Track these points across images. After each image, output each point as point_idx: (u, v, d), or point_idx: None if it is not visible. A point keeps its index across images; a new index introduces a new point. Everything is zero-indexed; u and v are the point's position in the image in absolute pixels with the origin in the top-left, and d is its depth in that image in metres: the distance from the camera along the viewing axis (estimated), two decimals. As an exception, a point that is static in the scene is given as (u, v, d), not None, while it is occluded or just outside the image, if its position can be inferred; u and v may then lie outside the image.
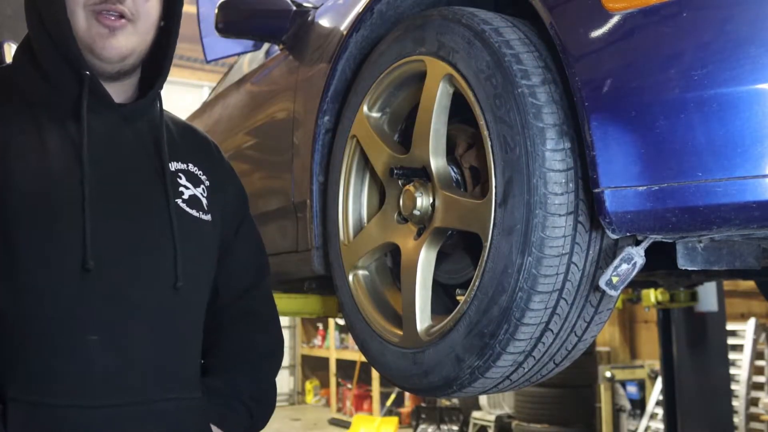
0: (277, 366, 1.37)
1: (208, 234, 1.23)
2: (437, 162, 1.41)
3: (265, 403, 1.33)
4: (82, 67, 1.11)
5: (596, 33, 1.09)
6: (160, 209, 1.15)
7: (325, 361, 9.39)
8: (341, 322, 7.10)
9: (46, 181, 1.08)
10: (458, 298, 1.45)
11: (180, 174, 1.20)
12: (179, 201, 1.17)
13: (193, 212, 1.19)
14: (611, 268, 1.13)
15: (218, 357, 1.29)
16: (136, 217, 1.13)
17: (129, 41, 1.12)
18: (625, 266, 1.13)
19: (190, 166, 1.23)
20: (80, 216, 1.06)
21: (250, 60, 2.75)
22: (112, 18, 1.10)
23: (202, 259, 1.22)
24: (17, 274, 1.05)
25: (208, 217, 1.22)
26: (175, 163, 1.20)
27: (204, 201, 1.22)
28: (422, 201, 1.43)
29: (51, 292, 1.06)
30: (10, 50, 2.19)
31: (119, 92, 1.18)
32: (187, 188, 1.19)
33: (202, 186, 1.23)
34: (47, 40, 1.12)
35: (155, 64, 1.22)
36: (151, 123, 1.21)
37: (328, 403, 9.43)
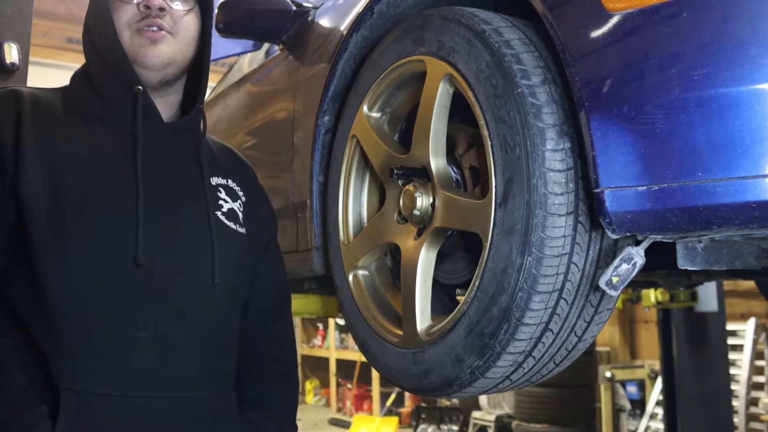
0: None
1: (243, 245, 1.31)
2: (437, 162, 1.41)
3: None
4: (134, 83, 1.22)
5: (596, 33, 1.09)
6: (201, 218, 1.24)
7: (325, 361, 9.39)
8: (341, 322, 7.10)
9: (101, 182, 1.17)
10: (458, 298, 1.45)
11: (220, 188, 1.30)
12: (218, 213, 1.27)
13: (231, 224, 1.28)
14: (611, 268, 1.13)
15: (250, 388, 1.35)
16: (180, 223, 1.22)
17: (169, 49, 1.24)
18: (625, 266, 1.13)
19: (229, 181, 1.34)
20: (134, 214, 1.15)
21: (250, 60, 2.74)
22: (154, 31, 1.22)
23: (238, 267, 1.29)
24: (73, 265, 1.12)
25: (243, 230, 1.31)
26: (215, 177, 1.30)
27: (240, 215, 1.32)
28: (422, 201, 1.43)
29: (103, 284, 1.13)
30: (11, 50, 2.19)
31: (165, 109, 1.29)
32: (226, 202, 1.29)
33: (239, 201, 1.33)
34: (102, 62, 1.24)
35: (194, 83, 1.33)
36: (193, 139, 1.31)
37: (328, 403, 9.43)
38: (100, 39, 1.24)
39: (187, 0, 1.28)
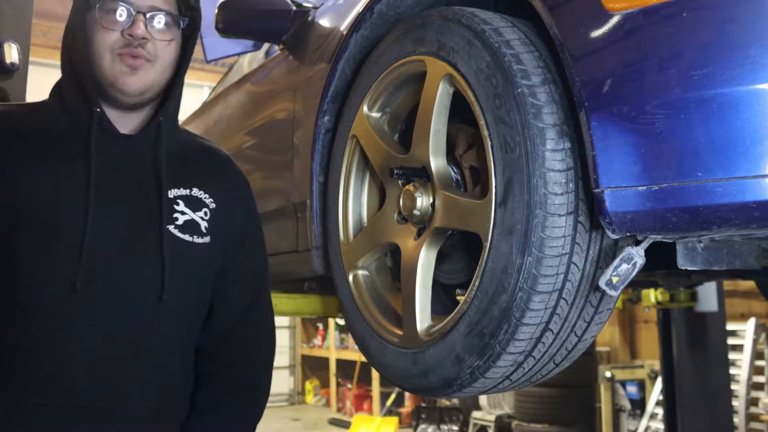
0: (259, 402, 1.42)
1: (203, 256, 1.32)
2: (437, 162, 1.41)
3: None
4: (95, 104, 1.25)
5: (596, 33, 1.09)
6: (153, 235, 1.26)
7: (325, 361, 9.39)
8: (341, 322, 7.10)
9: (53, 207, 1.21)
10: (458, 298, 1.45)
11: (179, 200, 1.30)
12: (171, 227, 1.28)
13: (186, 237, 1.29)
14: (611, 268, 1.13)
15: (205, 395, 1.36)
16: (131, 242, 1.25)
17: (147, 78, 1.26)
18: (625, 266, 1.13)
19: (194, 190, 1.33)
20: (80, 239, 1.19)
21: (250, 60, 2.74)
22: (134, 58, 1.24)
23: (192, 280, 1.31)
24: (17, 288, 1.20)
25: (205, 240, 1.32)
26: (176, 189, 1.31)
27: (203, 224, 1.32)
28: (422, 201, 1.43)
29: (41, 307, 1.20)
30: (11, 50, 2.19)
31: (131, 123, 1.31)
32: (183, 214, 1.30)
33: (204, 210, 1.33)
34: (70, 81, 1.28)
35: (168, 97, 1.35)
36: (153, 153, 1.31)
37: (328, 403, 9.43)
38: (76, 54, 1.27)
39: (170, 29, 1.28)
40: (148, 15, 1.24)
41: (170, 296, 1.25)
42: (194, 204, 1.32)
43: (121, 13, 1.23)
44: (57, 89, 1.31)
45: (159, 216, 1.26)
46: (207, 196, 1.34)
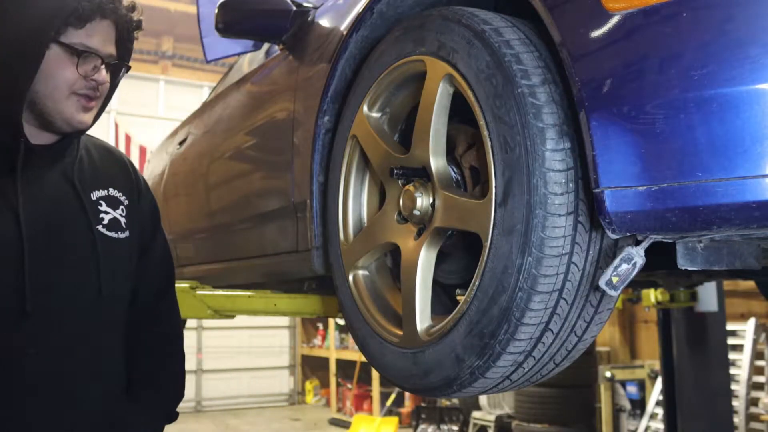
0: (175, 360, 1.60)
1: (126, 249, 1.44)
2: (437, 162, 1.41)
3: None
4: (20, 133, 1.30)
5: (596, 33, 1.09)
6: (85, 237, 1.36)
7: (325, 361, 9.39)
8: (341, 322, 7.10)
9: None
10: (458, 298, 1.45)
11: (101, 201, 1.41)
12: (100, 227, 1.39)
13: (112, 234, 1.41)
14: (611, 268, 1.13)
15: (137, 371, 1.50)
16: (66, 248, 1.34)
17: (94, 113, 1.38)
18: (625, 266, 1.13)
19: (111, 190, 1.44)
20: (20, 265, 1.27)
21: (250, 60, 2.74)
22: (91, 100, 1.35)
23: (122, 272, 1.43)
24: None
25: (125, 234, 1.43)
26: (96, 192, 1.41)
27: (123, 220, 1.44)
28: (422, 201, 1.43)
29: None
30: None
31: (47, 137, 1.37)
32: (107, 213, 1.41)
33: (121, 207, 1.45)
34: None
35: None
36: (71, 162, 1.41)
37: (328, 403, 9.43)
38: (17, 80, 1.29)
39: (118, 72, 1.41)
40: (107, 62, 1.35)
41: (108, 290, 1.37)
42: (113, 203, 1.43)
43: (88, 58, 1.31)
44: None
45: (86, 218, 1.37)
46: (120, 194, 1.45)
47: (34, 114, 1.32)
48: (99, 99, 1.37)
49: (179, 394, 1.56)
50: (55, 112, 1.31)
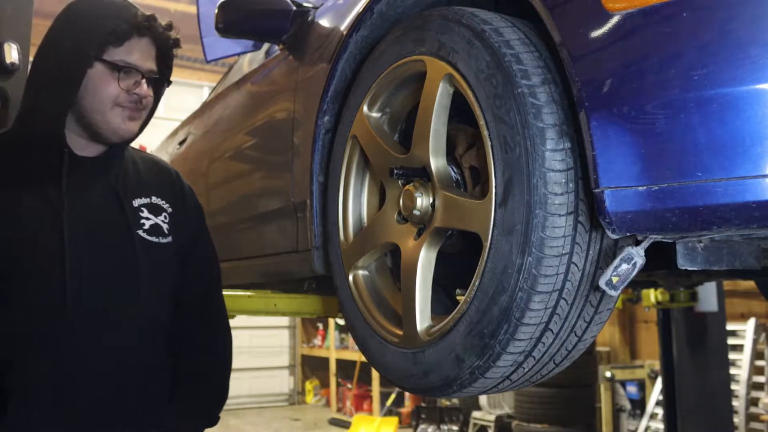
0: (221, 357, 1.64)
1: (167, 253, 1.51)
2: (437, 162, 1.41)
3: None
4: (63, 144, 1.42)
5: (596, 33, 1.09)
6: (125, 241, 1.44)
7: (325, 361, 9.39)
8: (341, 322, 7.10)
9: (31, 242, 1.36)
10: (458, 298, 1.45)
11: (143, 208, 1.50)
12: (140, 231, 1.47)
13: (153, 238, 1.48)
14: (611, 268, 1.13)
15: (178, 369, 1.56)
16: (106, 250, 1.42)
17: (139, 124, 1.48)
18: (625, 266, 1.13)
19: (154, 198, 1.53)
20: (62, 266, 1.35)
21: (250, 60, 2.74)
22: (136, 111, 1.45)
23: (162, 274, 1.50)
24: (14, 312, 1.35)
25: (168, 239, 1.51)
26: (138, 199, 1.50)
27: (165, 226, 1.52)
28: (422, 201, 1.43)
29: (37, 329, 1.34)
30: (11, 50, 2.19)
31: (94, 148, 1.47)
32: (148, 219, 1.49)
33: (164, 214, 1.53)
34: (44, 113, 1.42)
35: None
36: (119, 169, 1.51)
37: (328, 403, 9.43)
38: (63, 94, 1.39)
39: (161, 87, 1.51)
40: (148, 77, 1.44)
41: (146, 291, 1.44)
42: (155, 209, 1.52)
43: (129, 73, 1.41)
44: (26, 121, 1.44)
45: (127, 223, 1.45)
46: (164, 201, 1.54)
47: (83, 127, 1.42)
48: (143, 111, 1.46)
49: (222, 398, 1.59)
50: (102, 123, 1.41)
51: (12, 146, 1.44)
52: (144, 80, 1.43)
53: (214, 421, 1.58)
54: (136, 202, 1.49)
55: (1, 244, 1.35)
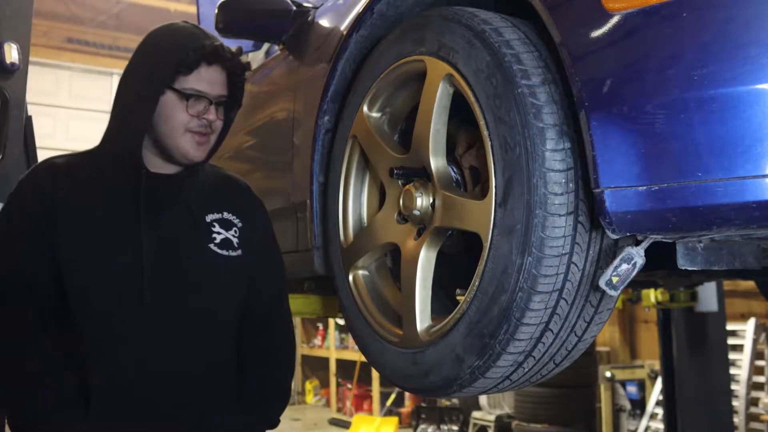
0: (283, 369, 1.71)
1: (238, 266, 1.58)
2: (437, 162, 1.41)
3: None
4: (141, 167, 1.50)
5: (596, 33, 1.09)
6: (197, 253, 1.54)
7: (325, 361, 9.38)
8: (341, 322, 7.10)
9: (112, 245, 1.47)
10: (458, 298, 1.45)
11: (214, 223, 1.58)
12: (212, 245, 1.55)
13: (223, 252, 1.56)
14: (611, 268, 1.13)
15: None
16: (180, 260, 1.52)
17: (209, 147, 1.55)
18: (625, 266, 1.13)
19: (225, 214, 1.60)
20: (140, 267, 1.46)
21: (250, 60, 2.74)
22: (204, 135, 1.51)
23: (232, 286, 1.58)
24: (92, 308, 1.44)
25: (237, 253, 1.58)
26: (211, 214, 1.58)
27: (235, 240, 1.59)
28: (422, 201, 1.43)
29: (116, 321, 1.45)
30: (11, 50, 2.19)
31: (171, 167, 1.55)
32: (219, 234, 1.57)
33: (234, 228, 1.60)
34: (125, 137, 1.51)
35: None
36: (193, 186, 1.58)
37: (328, 403, 9.42)
38: (140, 120, 1.48)
39: (232, 109, 1.57)
40: (218, 102, 1.51)
41: (214, 301, 1.53)
42: (226, 224, 1.60)
43: (198, 100, 1.48)
44: (107, 141, 1.54)
45: (199, 237, 1.54)
46: (235, 217, 1.61)
47: (159, 149, 1.51)
48: (212, 134, 1.53)
49: (283, 402, 1.66)
50: (174, 148, 1.49)
51: (94, 165, 1.53)
52: (212, 106, 1.50)
53: (275, 423, 1.65)
54: (209, 218, 1.58)
55: (81, 260, 1.44)
